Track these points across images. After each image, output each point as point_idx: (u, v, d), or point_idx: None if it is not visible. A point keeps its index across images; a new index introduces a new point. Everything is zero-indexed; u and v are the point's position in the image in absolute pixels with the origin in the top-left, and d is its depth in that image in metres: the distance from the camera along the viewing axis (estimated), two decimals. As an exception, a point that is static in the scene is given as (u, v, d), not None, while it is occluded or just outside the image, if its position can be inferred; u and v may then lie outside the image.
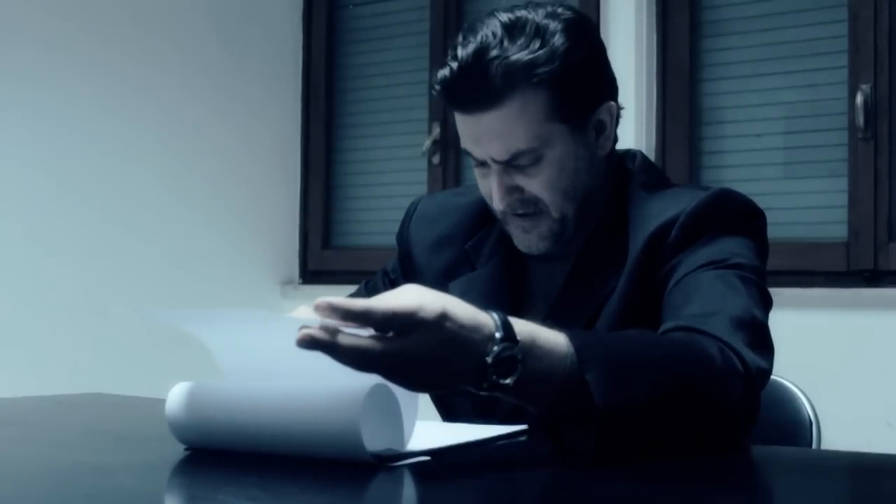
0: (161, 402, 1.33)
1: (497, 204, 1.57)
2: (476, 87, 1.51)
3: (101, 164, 3.50)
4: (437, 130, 3.78)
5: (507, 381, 1.17)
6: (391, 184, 3.95)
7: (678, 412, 1.26)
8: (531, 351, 1.19)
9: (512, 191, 1.57)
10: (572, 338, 1.22)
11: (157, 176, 3.64)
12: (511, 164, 1.55)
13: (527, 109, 1.52)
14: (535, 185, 1.56)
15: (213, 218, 3.79)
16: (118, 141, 3.54)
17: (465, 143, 1.58)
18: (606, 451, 1.20)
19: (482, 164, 1.58)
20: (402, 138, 3.93)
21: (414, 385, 1.18)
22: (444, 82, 1.53)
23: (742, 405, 1.32)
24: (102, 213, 3.49)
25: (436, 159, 3.79)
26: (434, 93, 1.57)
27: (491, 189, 1.58)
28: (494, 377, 1.17)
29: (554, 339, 1.21)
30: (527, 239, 1.60)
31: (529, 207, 1.58)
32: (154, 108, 3.64)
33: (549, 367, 1.20)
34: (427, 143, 3.79)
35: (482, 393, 1.18)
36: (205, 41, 3.80)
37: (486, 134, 1.54)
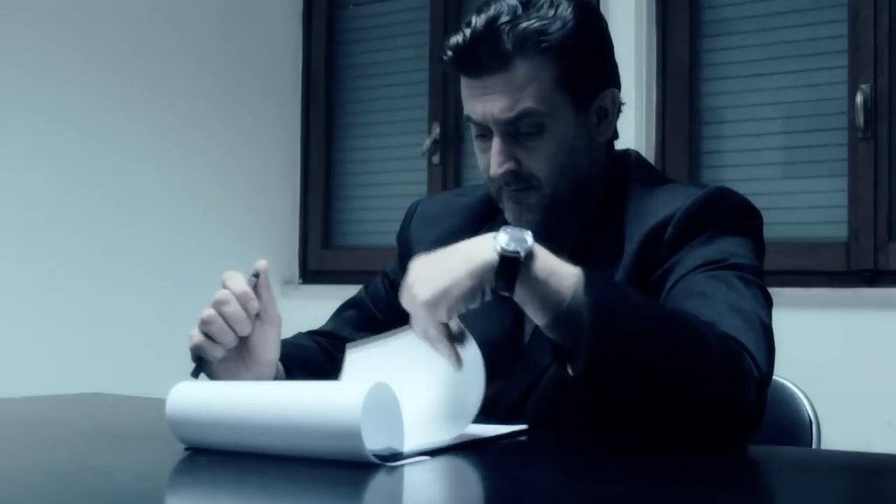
0: (161, 402, 1.33)
1: (493, 169, 1.56)
2: (486, 50, 1.52)
3: (101, 162, 3.50)
4: (437, 130, 3.78)
5: (518, 249, 1.28)
6: (391, 184, 3.95)
7: (675, 346, 1.30)
8: (535, 249, 1.31)
9: (510, 160, 1.56)
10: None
11: (157, 176, 3.64)
12: (512, 132, 1.55)
13: (535, 75, 1.53)
14: (534, 158, 1.56)
15: (212, 218, 3.79)
16: (118, 139, 3.54)
17: (469, 106, 1.57)
18: (598, 355, 1.26)
19: (482, 135, 1.58)
20: (402, 138, 3.93)
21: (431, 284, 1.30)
22: (456, 47, 1.54)
23: (755, 406, 1.33)
24: (102, 213, 3.49)
25: (436, 159, 3.79)
26: (444, 58, 1.57)
27: (489, 159, 1.57)
28: (505, 246, 1.28)
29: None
30: (518, 210, 1.59)
31: (522, 183, 1.57)
32: (154, 109, 3.64)
33: (555, 263, 1.32)
34: (427, 143, 3.79)
35: (496, 291, 1.29)
36: (205, 41, 3.81)
37: (493, 94, 1.54)
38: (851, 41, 3.12)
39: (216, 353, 1.51)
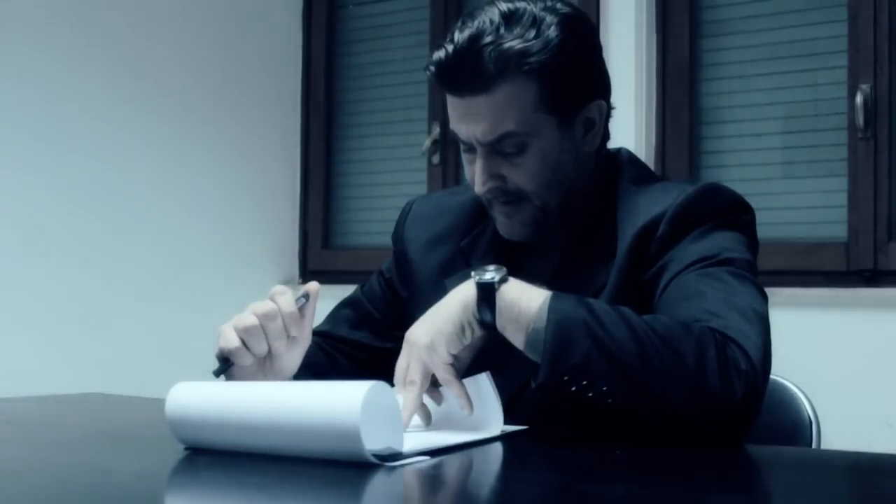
0: (161, 402, 1.33)
1: (478, 188, 1.59)
2: (469, 71, 1.53)
3: (102, 162, 3.50)
4: (436, 130, 3.78)
5: (494, 276, 1.37)
6: (391, 184, 3.95)
7: (641, 358, 1.30)
8: (510, 278, 1.39)
9: (494, 177, 1.58)
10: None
11: (158, 176, 3.64)
12: (496, 150, 1.56)
13: (516, 96, 1.53)
14: (519, 174, 1.57)
15: (213, 218, 3.79)
16: (118, 139, 3.54)
17: (454, 124, 1.59)
18: (554, 373, 1.30)
19: (469, 149, 1.59)
20: (402, 138, 3.93)
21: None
22: (439, 64, 1.55)
23: (741, 401, 1.32)
24: (103, 213, 3.49)
25: (435, 159, 3.79)
26: (427, 73, 1.57)
27: (475, 173, 1.59)
28: (481, 277, 1.38)
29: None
30: (508, 224, 1.61)
31: (510, 196, 1.59)
32: (154, 109, 3.64)
33: (526, 287, 1.38)
34: (427, 143, 3.79)
35: (481, 320, 1.38)
36: (205, 41, 3.80)
37: (475, 116, 1.55)
38: (851, 41, 3.12)
39: (246, 360, 1.53)
